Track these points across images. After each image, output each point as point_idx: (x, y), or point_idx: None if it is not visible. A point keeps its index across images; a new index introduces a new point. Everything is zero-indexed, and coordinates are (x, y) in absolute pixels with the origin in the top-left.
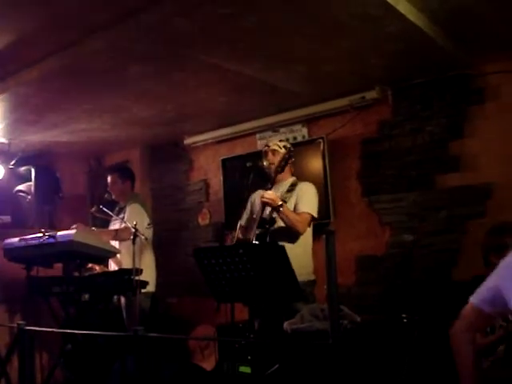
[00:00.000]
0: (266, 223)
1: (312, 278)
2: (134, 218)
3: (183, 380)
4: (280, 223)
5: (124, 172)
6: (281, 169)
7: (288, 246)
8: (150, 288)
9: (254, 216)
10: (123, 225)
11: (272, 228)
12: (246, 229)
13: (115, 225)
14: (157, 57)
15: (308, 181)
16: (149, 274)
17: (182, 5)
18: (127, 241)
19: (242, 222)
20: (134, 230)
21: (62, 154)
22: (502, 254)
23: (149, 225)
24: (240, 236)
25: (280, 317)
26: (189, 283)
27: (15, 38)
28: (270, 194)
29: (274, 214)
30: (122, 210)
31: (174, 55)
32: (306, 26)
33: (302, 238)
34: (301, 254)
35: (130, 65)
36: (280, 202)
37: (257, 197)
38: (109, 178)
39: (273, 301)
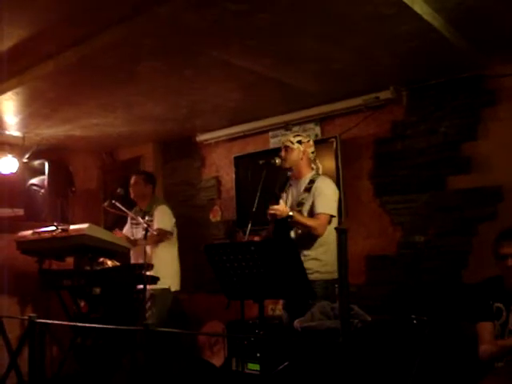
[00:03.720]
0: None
1: (336, 276)
2: (164, 218)
3: (192, 375)
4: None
5: (148, 176)
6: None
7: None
8: (175, 287)
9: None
10: (155, 227)
11: (292, 234)
12: None
13: (137, 229)
14: (168, 52)
15: None
16: (174, 272)
17: (194, 0)
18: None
19: None
20: (146, 226)
21: (75, 149)
22: None
23: (175, 223)
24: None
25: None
26: (199, 279)
27: (30, 33)
28: (275, 209)
29: None
30: (146, 214)
31: (185, 51)
32: (319, 23)
33: (323, 237)
34: (322, 252)
35: (142, 60)
36: (289, 213)
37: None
38: (132, 179)
39: (283, 298)
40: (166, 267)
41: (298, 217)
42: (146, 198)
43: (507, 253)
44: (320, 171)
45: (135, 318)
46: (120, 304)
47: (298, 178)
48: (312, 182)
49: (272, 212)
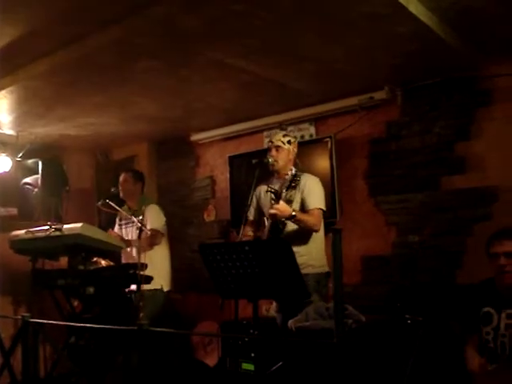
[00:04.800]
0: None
1: (326, 269)
2: (155, 217)
3: (186, 375)
4: (290, 226)
5: (137, 174)
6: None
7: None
8: (166, 287)
9: (266, 220)
10: (148, 227)
11: (285, 231)
12: (255, 223)
13: (127, 228)
14: (164, 52)
15: None
16: (165, 272)
17: (191, 0)
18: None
19: (251, 216)
20: (140, 225)
21: (69, 148)
22: None
23: (165, 222)
24: (250, 233)
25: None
26: (193, 279)
27: (25, 31)
28: (278, 208)
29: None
30: (136, 213)
31: (181, 51)
32: (316, 24)
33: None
34: (313, 247)
35: (138, 60)
36: (292, 213)
37: (262, 191)
38: (121, 177)
39: (278, 297)
40: (157, 267)
41: (300, 215)
42: (135, 196)
43: (499, 251)
44: (299, 168)
45: (129, 318)
46: (114, 304)
47: (282, 176)
48: (296, 179)
49: (274, 212)
